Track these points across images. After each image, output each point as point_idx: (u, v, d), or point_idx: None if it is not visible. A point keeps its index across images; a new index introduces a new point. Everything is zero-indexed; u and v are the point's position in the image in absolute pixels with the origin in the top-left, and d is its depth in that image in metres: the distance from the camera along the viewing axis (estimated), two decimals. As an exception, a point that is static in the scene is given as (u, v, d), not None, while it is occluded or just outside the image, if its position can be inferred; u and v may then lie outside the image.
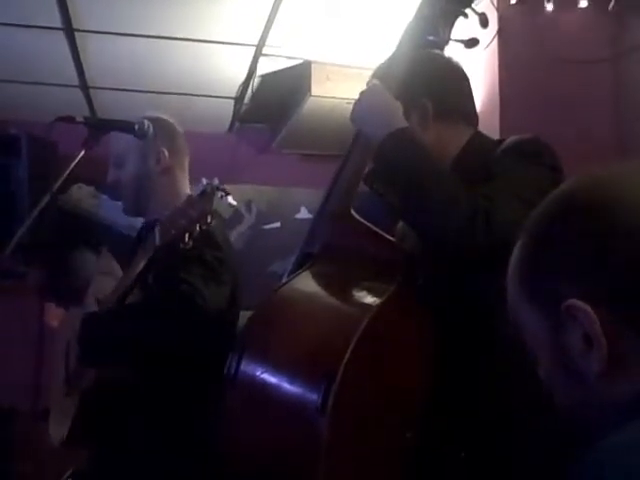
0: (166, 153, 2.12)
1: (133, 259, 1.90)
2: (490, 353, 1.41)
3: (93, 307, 1.99)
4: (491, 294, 1.41)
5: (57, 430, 2.06)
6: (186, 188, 2.16)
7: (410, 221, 1.45)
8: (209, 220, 1.72)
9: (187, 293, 1.83)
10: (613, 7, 3.04)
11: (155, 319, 1.87)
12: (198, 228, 1.72)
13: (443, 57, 1.59)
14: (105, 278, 2.08)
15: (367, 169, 1.52)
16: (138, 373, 1.93)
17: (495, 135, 1.70)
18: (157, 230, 1.79)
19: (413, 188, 1.37)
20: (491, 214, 1.31)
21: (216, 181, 1.75)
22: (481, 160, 1.47)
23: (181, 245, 1.73)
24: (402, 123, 1.43)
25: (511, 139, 1.50)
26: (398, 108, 1.46)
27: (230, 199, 1.81)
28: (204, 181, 1.74)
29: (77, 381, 1.99)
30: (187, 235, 1.72)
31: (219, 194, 1.74)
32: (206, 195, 1.72)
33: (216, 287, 1.91)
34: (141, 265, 1.85)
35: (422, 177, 1.37)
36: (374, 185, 1.53)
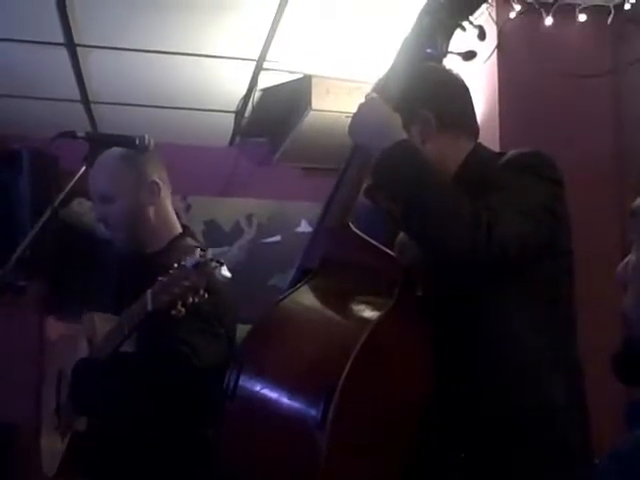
0: (160, 184, 2.07)
1: (127, 307, 1.84)
2: (489, 359, 1.41)
3: (85, 350, 1.94)
4: (490, 305, 1.43)
5: (48, 461, 2.02)
6: (174, 216, 2.11)
7: (412, 233, 1.44)
8: (202, 293, 1.65)
9: (185, 354, 1.79)
10: (612, 21, 3.05)
11: (148, 378, 1.82)
12: (191, 299, 1.66)
13: (444, 69, 1.58)
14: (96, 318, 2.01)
15: (366, 182, 1.51)
16: (129, 423, 1.88)
17: (495, 149, 1.70)
18: (149, 294, 1.72)
19: (415, 200, 1.37)
20: (493, 226, 1.31)
21: (210, 253, 1.68)
22: (482, 173, 1.47)
23: (173, 312, 1.67)
24: (401, 135, 1.42)
25: (512, 152, 1.50)
26: (396, 120, 1.46)
27: (224, 270, 1.77)
28: (197, 253, 1.67)
29: (67, 416, 1.95)
30: (180, 303, 1.68)
31: (213, 264, 1.67)
32: (200, 268, 1.65)
33: (214, 340, 1.87)
34: (135, 319, 1.79)
35: (423, 189, 1.36)
36: (375, 198, 1.53)
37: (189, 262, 1.66)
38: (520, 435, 1.38)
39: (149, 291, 1.73)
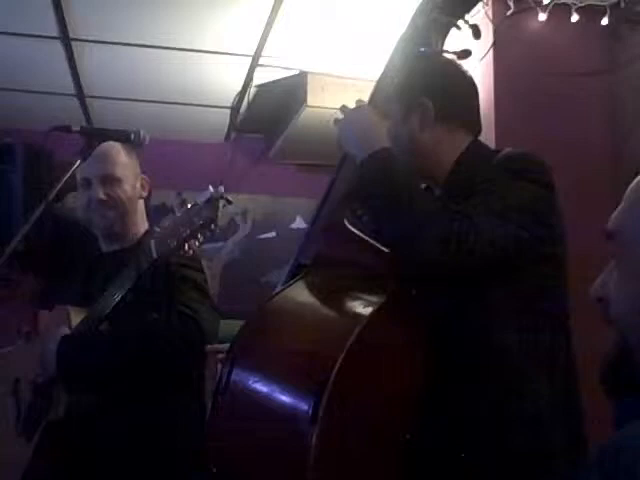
0: (148, 181, 2.16)
1: (115, 278, 1.86)
2: (487, 358, 1.40)
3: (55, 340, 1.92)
4: (482, 304, 1.43)
5: (5, 473, 1.99)
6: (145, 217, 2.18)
7: (384, 240, 1.44)
8: (213, 228, 1.70)
9: (187, 315, 1.85)
10: (607, 20, 3.06)
11: (156, 340, 1.86)
12: (201, 236, 1.69)
13: (452, 62, 1.56)
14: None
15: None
16: (115, 399, 1.89)
17: (490, 146, 1.70)
18: (152, 243, 1.75)
19: (384, 209, 1.38)
20: (466, 234, 1.30)
21: (222, 189, 1.71)
22: (474, 171, 1.47)
23: (181, 253, 1.71)
24: (382, 144, 1.42)
25: (504, 152, 1.49)
26: (380, 129, 1.46)
27: (231, 208, 1.80)
28: (211, 188, 1.71)
29: (34, 417, 1.94)
30: (187, 245, 1.70)
31: (222, 202, 1.71)
32: (212, 202, 1.69)
33: (211, 310, 1.95)
34: (127, 284, 1.81)
35: (395, 197, 1.36)
36: (353, 206, 1.53)
37: (201, 199, 1.69)
38: (503, 438, 1.38)
39: (152, 240, 1.76)
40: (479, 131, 1.59)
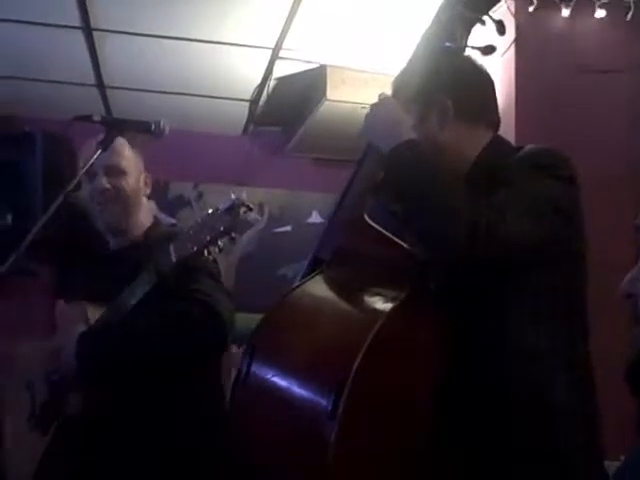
0: (151, 178, 2.17)
1: (133, 280, 1.87)
2: (499, 357, 1.40)
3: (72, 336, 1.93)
4: (501, 303, 1.42)
5: (19, 468, 2.00)
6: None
7: (412, 232, 1.43)
8: (234, 236, 1.70)
9: (205, 302, 1.85)
10: (631, 17, 3.02)
11: (175, 328, 1.87)
12: (221, 243, 1.70)
13: (469, 58, 1.56)
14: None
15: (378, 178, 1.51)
16: (133, 394, 1.90)
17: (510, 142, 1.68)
18: (172, 247, 1.76)
19: (414, 200, 1.37)
20: (495, 229, 1.30)
21: (244, 195, 1.73)
22: (496, 166, 1.46)
23: (201, 259, 1.71)
24: (408, 135, 1.42)
25: (528, 148, 1.48)
26: (406, 120, 1.46)
27: (254, 214, 1.80)
28: (232, 195, 1.72)
29: (50, 413, 1.95)
30: (206, 251, 1.70)
31: (243, 209, 1.72)
32: (234, 210, 1.70)
33: (228, 297, 1.95)
34: (147, 286, 1.82)
35: (423, 189, 1.36)
36: (381, 196, 1.52)
37: (223, 206, 1.70)
38: (519, 436, 1.37)
39: (171, 245, 1.77)
40: (498, 125, 1.59)
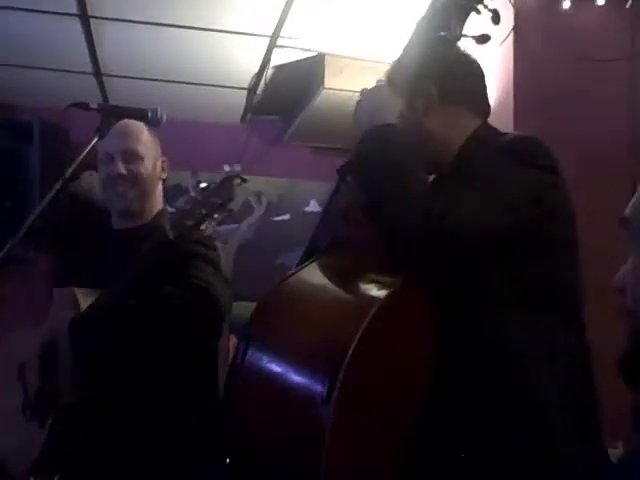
0: (167, 163, 2.16)
1: (129, 260, 1.86)
2: (491, 352, 1.39)
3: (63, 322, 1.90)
4: (483, 291, 1.41)
5: (15, 460, 1.96)
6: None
7: (370, 215, 1.43)
8: (230, 208, 1.70)
9: (202, 287, 1.84)
10: (631, 5, 3.01)
11: (170, 311, 1.85)
12: (218, 216, 1.70)
13: (456, 47, 1.55)
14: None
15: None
16: (130, 379, 1.88)
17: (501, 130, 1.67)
18: (166, 225, 1.75)
19: (373, 184, 1.38)
20: (449, 216, 1.29)
21: (238, 167, 1.72)
22: (478, 155, 1.45)
23: (197, 233, 1.72)
24: (390, 121, 1.42)
25: (509, 136, 1.48)
26: (394, 106, 1.46)
27: (246, 190, 1.80)
28: (226, 168, 1.72)
29: (45, 400, 1.92)
30: (203, 225, 1.70)
31: (237, 181, 1.72)
32: (229, 182, 1.70)
33: (226, 284, 1.95)
34: (142, 266, 1.82)
35: (381, 174, 1.36)
36: (346, 177, 1.52)
37: (218, 178, 1.71)
38: (520, 435, 1.36)
39: (167, 224, 1.76)
40: (488, 114, 1.58)
